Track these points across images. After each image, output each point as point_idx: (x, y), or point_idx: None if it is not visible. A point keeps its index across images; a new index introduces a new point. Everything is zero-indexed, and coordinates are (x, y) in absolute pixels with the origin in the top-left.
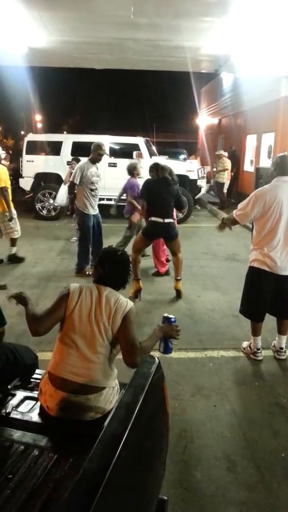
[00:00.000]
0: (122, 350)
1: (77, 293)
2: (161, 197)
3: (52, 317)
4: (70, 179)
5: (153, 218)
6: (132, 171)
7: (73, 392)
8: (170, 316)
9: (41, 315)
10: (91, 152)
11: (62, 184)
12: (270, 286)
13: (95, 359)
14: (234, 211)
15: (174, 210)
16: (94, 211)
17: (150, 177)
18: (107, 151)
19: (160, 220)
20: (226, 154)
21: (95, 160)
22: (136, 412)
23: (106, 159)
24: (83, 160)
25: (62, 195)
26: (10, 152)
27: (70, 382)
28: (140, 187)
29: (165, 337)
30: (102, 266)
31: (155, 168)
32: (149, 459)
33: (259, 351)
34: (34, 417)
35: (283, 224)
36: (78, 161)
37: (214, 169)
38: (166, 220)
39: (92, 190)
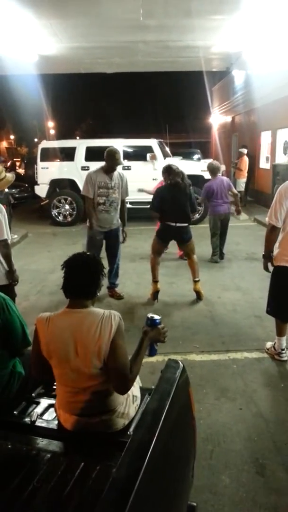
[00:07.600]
0: (111, 377)
1: (45, 327)
2: (174, 205)
3: (37, 361)
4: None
5: (166, 222)
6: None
7: (87, 416)
8: (155, 317)
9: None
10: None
11: None
12: None
13: (93, 392)
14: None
15: None
16: (101, 228)
17: (161, 186)
18: (121, 154)
19: (173, 224)
20: (245, 151)
21: (107, 170)
22: (162, 418)
23: None
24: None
25: None
26: (25, 161)
27: (80, 411)
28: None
29: (151, 341)
30: (65, 276)
31: (168, 171)
32: (178, 466)
33: (283, 351)
34: (59, 425)
35: None
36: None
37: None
38: (179, 224)
39: (99, 204)
